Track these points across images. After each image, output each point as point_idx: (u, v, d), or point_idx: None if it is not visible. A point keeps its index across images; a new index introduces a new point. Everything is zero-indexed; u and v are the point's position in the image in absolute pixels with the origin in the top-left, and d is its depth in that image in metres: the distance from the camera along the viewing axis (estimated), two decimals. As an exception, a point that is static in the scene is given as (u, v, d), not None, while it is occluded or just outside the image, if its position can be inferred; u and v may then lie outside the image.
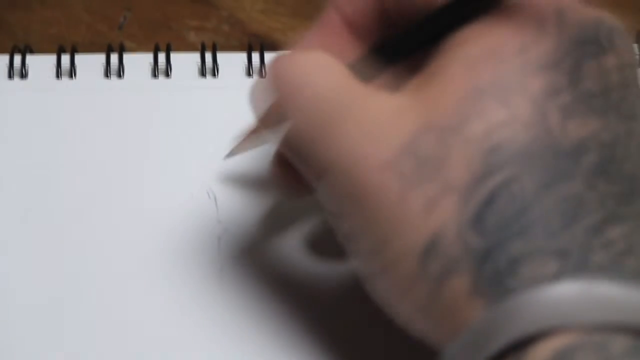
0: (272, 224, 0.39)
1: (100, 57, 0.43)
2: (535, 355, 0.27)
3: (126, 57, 0.43)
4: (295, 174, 0.33)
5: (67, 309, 0.37)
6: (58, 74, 0.42)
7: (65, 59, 0.43)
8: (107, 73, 0.43)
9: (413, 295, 0.30)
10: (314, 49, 0.34)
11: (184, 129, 0.41)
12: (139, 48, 0.44)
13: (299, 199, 0.38)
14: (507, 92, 0.30)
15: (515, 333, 0.27)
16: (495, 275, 0.28)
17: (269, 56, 0.43)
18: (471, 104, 0.30)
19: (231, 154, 0.39)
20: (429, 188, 0.29)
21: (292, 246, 0.39)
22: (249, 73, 0.43)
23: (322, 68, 0.31)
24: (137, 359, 0.36)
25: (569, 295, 0.27)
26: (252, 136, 0.38)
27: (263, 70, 0.42)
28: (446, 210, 0.29)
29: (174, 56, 0.43)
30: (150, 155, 0.41)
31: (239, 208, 0.39)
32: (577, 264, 0.28)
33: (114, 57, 0.43)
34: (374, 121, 0.30)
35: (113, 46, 0.43)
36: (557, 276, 0.28)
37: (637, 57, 0.32)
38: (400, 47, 0.32)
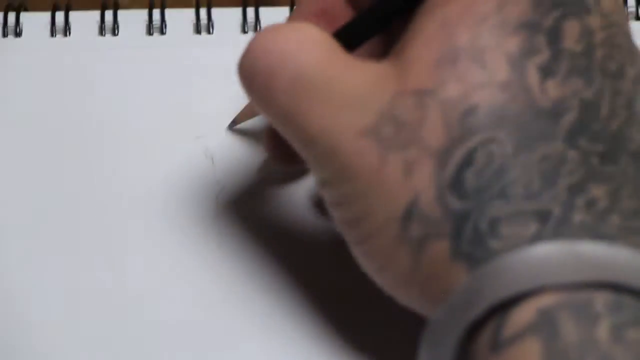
0: (270, 183, 0.39)
1: (95, 14, 0.43)
2: (519, 316, 0.27)
3: (120, 13, 0.43)
4: (286, 146, 0.34)
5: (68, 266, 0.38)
6: (52, 32, 0.42)
7: (60, 16, 0.42)
8: (101, 30, 0.42)
9: (396, 262, 0.30)
10: (302, 19, 0.34)
11: (180, 86, 0.41)
12: (133, 5, 0.44)
13: (292, 168, 0.39)
14: (483, 52, 0.29)
15: (497, 295, 0.28)
16: (476, 238, 0.29)
17: (264, 11, 0.43)
18: (447, 65, 0.29)
19: (233, 123, 0.39)
20: (408, 152, 0.29)
21: (289, 204, 0.39)
22: (244, 30, 0.42)
23: (306, 42, 0.31)
24: (136, 317, 0.37)
25: (550, 255, 0.27)
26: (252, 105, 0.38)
27: (258, 27, 0.42)
28: (424, 174, 0.29)
29: (168, 12, 0.43)
30: (146, 114, 0.41)
31: (236, 167, 0.39)
32: (558, 224, 0.28)
33: (109, 14, 0.42)
34: (355, 90, 0.30)
35: (107, 3, 0.43)
36: (538, 237, 0.28)
37: (626, 16, 0.32)
38: (386, 10, 0.32)
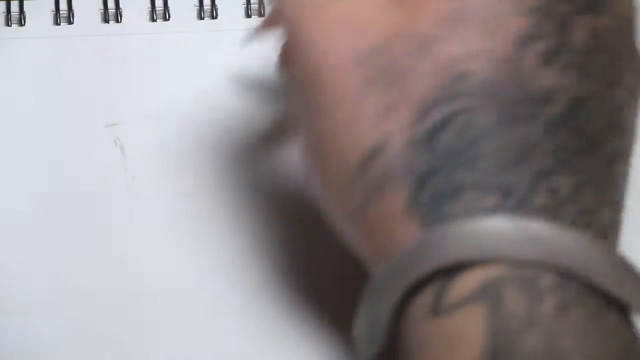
0: (181, 171, 0.39)
1: (0, 5, 0.42)
2: (464, 284, 0.28)
3: (27, 3, 0.42)
4: None
5: None
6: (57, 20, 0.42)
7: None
8: (8, 21, 0.42)
9: (347, 199, 0.30)
10: None
11: (88, 75, 0.41)
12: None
13: None
14: (490, 24, 0.30)
15: (446, 258, 0.28)
16: (434, 198, 0.29)
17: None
18: (451, 25, 0.30)
19: (250, 38, 0.38)
20: (388, 94, 0.30)
21: (199, 192, 0.39)
22: (152, 18, 0.42)
23: None
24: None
25: (504, 229, 0.28)
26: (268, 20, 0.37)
27: (167, 13, 0.42)
28: (399, 120, 0.29)
29: (75, 1, 0.42)
30: (55, 104, 0.40)
31: (147, 156, 0.39)
32: (518, 202, 0.29)
33: (15, 5, 0.42)
34: (354, 17, 0.30)
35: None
36: (495, 210, 0.29)
37: (636, 23, 0.32)
38: None
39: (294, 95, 0.32)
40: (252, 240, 0.38)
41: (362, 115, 0.30)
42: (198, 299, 0.37)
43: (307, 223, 0.37)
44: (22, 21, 0.42)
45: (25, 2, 0.42)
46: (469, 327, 0.27)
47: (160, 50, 0.41)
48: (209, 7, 0.42)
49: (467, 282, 0.28)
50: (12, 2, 0.42)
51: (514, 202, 0.29)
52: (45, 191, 0.39)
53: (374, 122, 0.30)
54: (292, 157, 0.39)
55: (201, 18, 0.42)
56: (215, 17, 0.42)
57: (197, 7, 0.42)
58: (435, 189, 0.29)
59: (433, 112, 0.29)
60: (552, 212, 0.29)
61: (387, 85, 0.30)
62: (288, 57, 0.32)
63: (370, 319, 0.29)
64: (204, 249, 0.38)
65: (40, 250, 0.38)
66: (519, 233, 0.28)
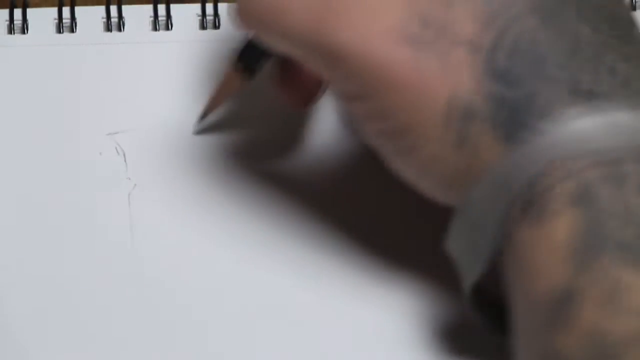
0: (183, 179, 0.39)
1: (4, 13, 0.42)
2: (560, 190, 0.29)
3: (30, 12, 0.42)
4: (300, 86, 0.35)
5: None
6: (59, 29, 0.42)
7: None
8: (10, 29, 0.42)
9: (442, 161, 0.31)
10: None
11: (90, 84, 0.41)
12: (43, 3, 0.43)
13: (308, 109, 0.38)
14: None
15: (540, 166, 0.29)
16: (515, 115, 0.30)
17: (175, 8, 0.43)
18: None
19: (202, 117, 0.39)
20: (439, 46, 0.30)
21: (201, 199, 0.39)
22: (155, 28, 0.42)
23: None
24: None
25: (587, 124, 0.29)
26: (223, 88, 0.38)
27: (170, 23, 0.42)
28: (460, 63, 0.30)
29: (78, 10, 0.42)
30: (57, 112, 0.40)
31: (149, 163, 0.39)
32: (587, 92, 0.30)
33: (18, 13, 0.42)
34: (368, 2, 0.31)
35: (16, 1, 0.42)
36: (571, 106, 0.29)
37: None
38: None
39: (345, 93, 0.33)
40: (254, 244, 0.38)
41: (425, 82, 0.30)
42: (199, 304, 0.37)
43: (316, 226, 0.38)
44: (25, 29, 0.42)
45: (28, 10, 0.42)
46: (564, 229, 0.28)
47: (163, 59, 0.41)
48: (212, 18, 0.42)
49: (563, 188, 0.29)
50: (15, 10, 0.42)
51: (584, 93, 0.30)
52: (47, 199, 0.39)
53: (438, 80, 0.31)
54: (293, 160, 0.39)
55: (204, 28, 0.42)
56: (218, 27, 0.42)
57: (200, 17, 0.42)
58: (513, 108, 0.30)
59: (484, 40, 0.30)
60: (619, 92, 0.30)
61: (433, 43, 0.30)
62: (323, 65, 0.32)
63: (470, 239, 0.30)
64: (206, 256, 0.38)
65: (42, 256, 0.38)
66: (599, 125, 0.29)
